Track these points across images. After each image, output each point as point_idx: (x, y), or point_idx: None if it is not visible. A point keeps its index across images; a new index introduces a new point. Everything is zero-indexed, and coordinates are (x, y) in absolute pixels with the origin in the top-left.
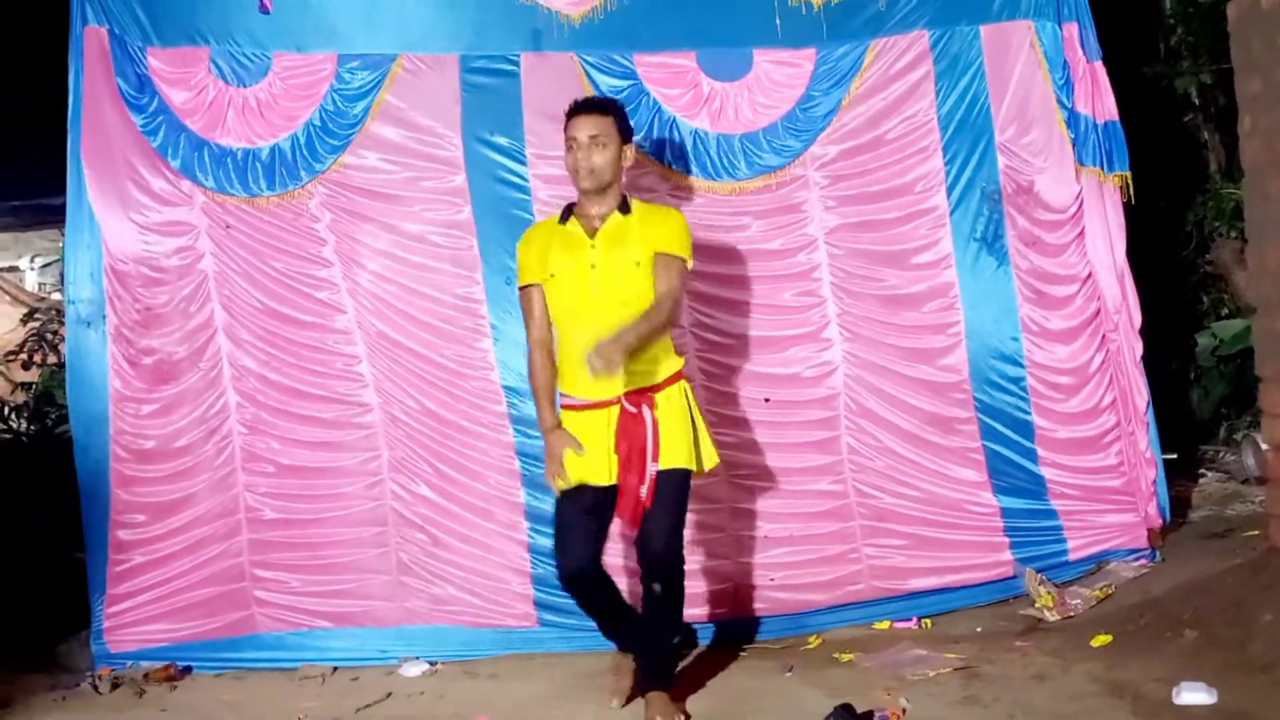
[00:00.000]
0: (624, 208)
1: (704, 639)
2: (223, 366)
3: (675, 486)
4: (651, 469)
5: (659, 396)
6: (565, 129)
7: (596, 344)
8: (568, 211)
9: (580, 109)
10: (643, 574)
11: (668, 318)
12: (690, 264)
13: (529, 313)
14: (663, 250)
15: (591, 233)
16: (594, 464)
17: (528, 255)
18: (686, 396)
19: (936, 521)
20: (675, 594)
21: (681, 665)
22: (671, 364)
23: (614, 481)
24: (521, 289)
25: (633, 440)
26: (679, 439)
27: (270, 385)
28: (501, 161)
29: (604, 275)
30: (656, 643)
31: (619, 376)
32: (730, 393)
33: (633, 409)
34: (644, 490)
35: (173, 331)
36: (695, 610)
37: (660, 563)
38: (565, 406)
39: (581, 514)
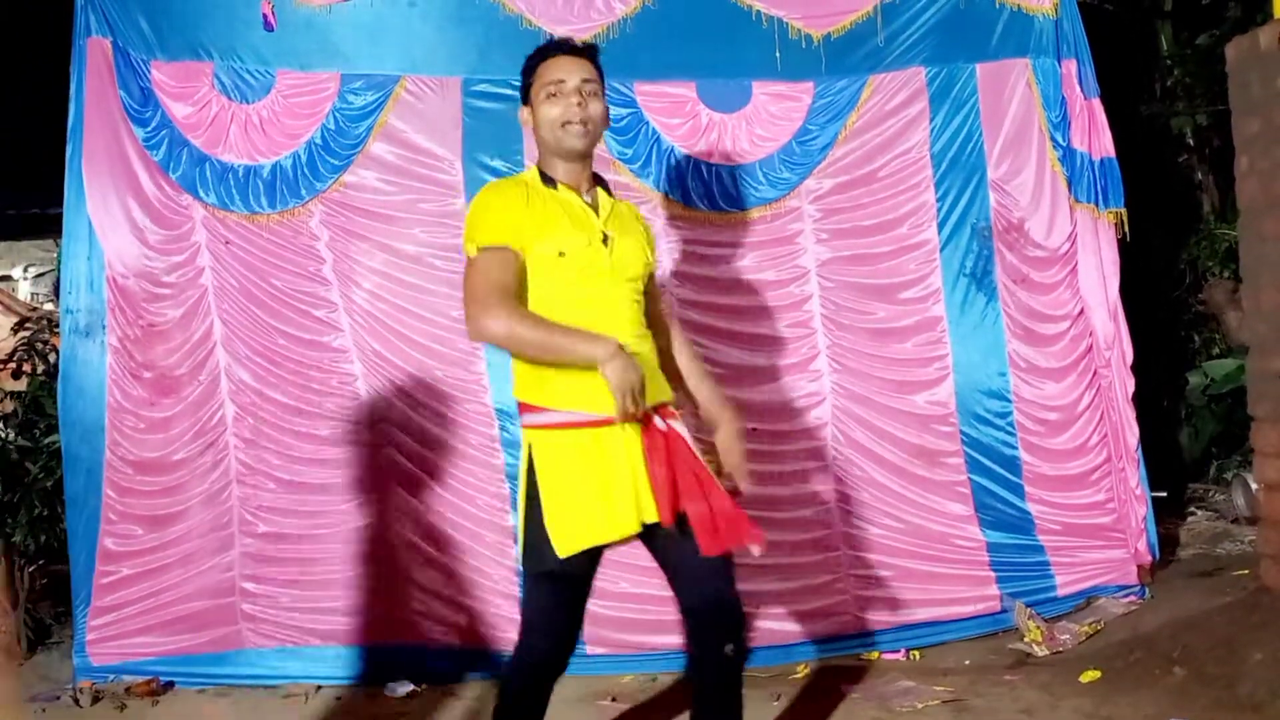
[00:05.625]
0: (603, 183)
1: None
2: (221, 380)
3: None
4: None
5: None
6: (535, 74)
7: (726, 453)
8: (547, 176)
9: (561, 49)
10: (707, 637)
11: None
12: None
13: (488, 277)
14: (654, 269)
15: (593, 207)
16: (620, 511)
17: (511, 213)
18: None
19: (922, 554)
20: (745, 656)
21: (662, 691)
22: None
23: (645, 522)
24: (486, 249)
25: (679, 461)
26: None
27: (267, 401)
28: None
29: (615, 250)
30: None
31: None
32: None
33: (663, 426)
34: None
35: (175, 348)
36: (675, 638)
37: (736, 614)
38: (567, 425)
39: (577, 587)
